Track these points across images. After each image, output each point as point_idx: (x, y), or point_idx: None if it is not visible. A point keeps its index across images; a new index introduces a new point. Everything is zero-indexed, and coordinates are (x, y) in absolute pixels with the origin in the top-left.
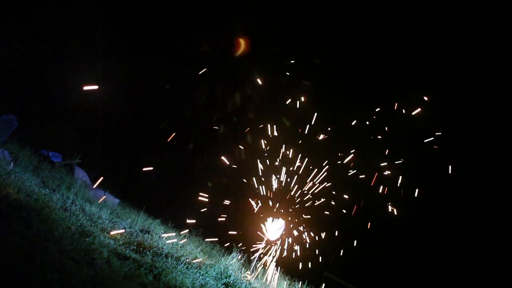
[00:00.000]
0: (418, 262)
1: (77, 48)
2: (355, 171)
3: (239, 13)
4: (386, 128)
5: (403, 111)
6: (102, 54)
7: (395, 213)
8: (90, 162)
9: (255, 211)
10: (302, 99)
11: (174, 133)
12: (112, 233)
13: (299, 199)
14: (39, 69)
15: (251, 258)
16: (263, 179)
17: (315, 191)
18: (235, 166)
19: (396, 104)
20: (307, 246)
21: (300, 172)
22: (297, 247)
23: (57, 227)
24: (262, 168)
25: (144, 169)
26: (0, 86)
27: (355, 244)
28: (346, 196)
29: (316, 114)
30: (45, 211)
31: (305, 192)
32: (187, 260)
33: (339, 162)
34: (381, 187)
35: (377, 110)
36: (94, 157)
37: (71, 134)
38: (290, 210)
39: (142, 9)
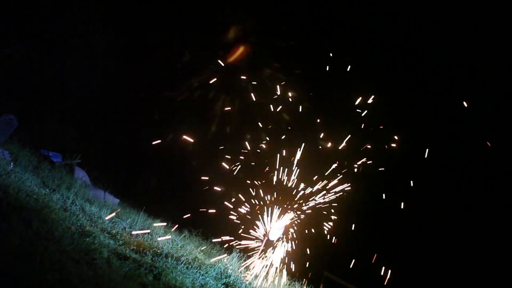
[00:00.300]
0: (418, 262)
1: (77, 48)
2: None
3: (239, 13)
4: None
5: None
6: (102, 54)
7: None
8: (90, 162)
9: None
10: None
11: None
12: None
13: (300, 199)
14: (39, 69)
15: (251, 258)
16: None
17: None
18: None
19: None
20: (307, 245)
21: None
22: (296, 247)
23: (57, 227)
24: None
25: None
26: (0, 86)
27: (354, 244)
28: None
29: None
30: (45, 211)
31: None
32: (187, 260)
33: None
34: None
35: None
36: (94, 157)
37: (71, 134)
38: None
39: (142, 9)
